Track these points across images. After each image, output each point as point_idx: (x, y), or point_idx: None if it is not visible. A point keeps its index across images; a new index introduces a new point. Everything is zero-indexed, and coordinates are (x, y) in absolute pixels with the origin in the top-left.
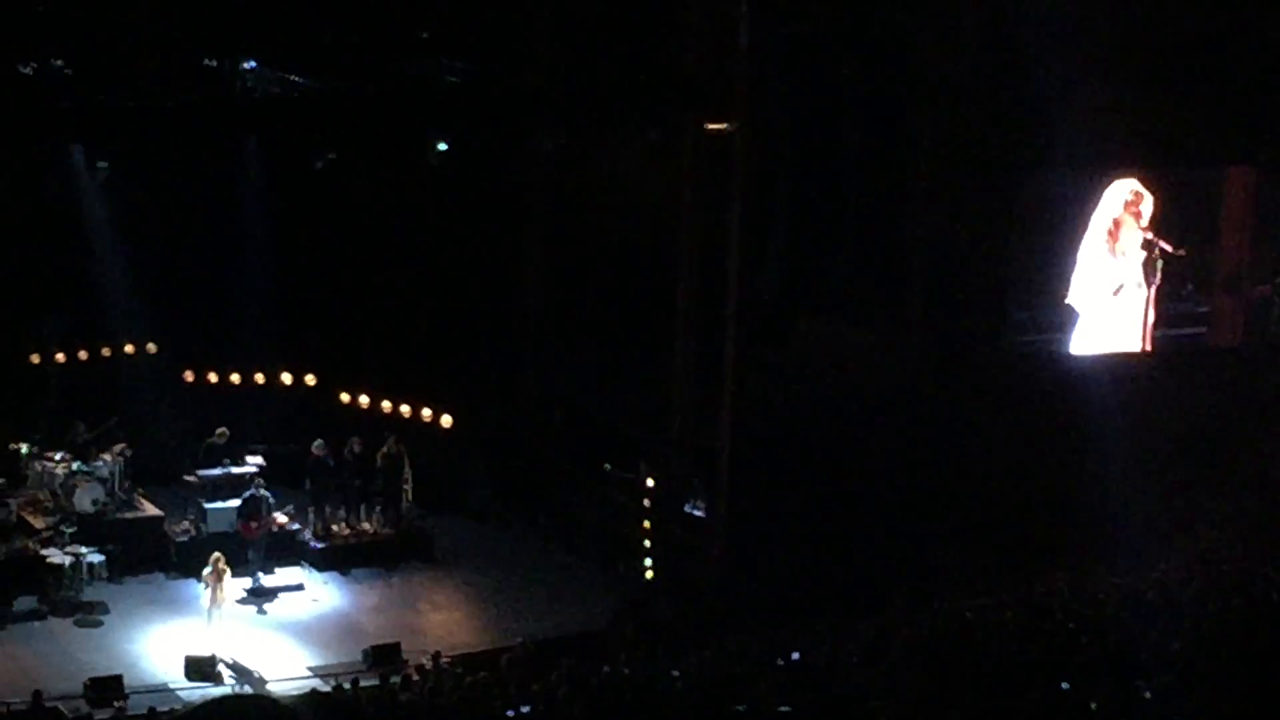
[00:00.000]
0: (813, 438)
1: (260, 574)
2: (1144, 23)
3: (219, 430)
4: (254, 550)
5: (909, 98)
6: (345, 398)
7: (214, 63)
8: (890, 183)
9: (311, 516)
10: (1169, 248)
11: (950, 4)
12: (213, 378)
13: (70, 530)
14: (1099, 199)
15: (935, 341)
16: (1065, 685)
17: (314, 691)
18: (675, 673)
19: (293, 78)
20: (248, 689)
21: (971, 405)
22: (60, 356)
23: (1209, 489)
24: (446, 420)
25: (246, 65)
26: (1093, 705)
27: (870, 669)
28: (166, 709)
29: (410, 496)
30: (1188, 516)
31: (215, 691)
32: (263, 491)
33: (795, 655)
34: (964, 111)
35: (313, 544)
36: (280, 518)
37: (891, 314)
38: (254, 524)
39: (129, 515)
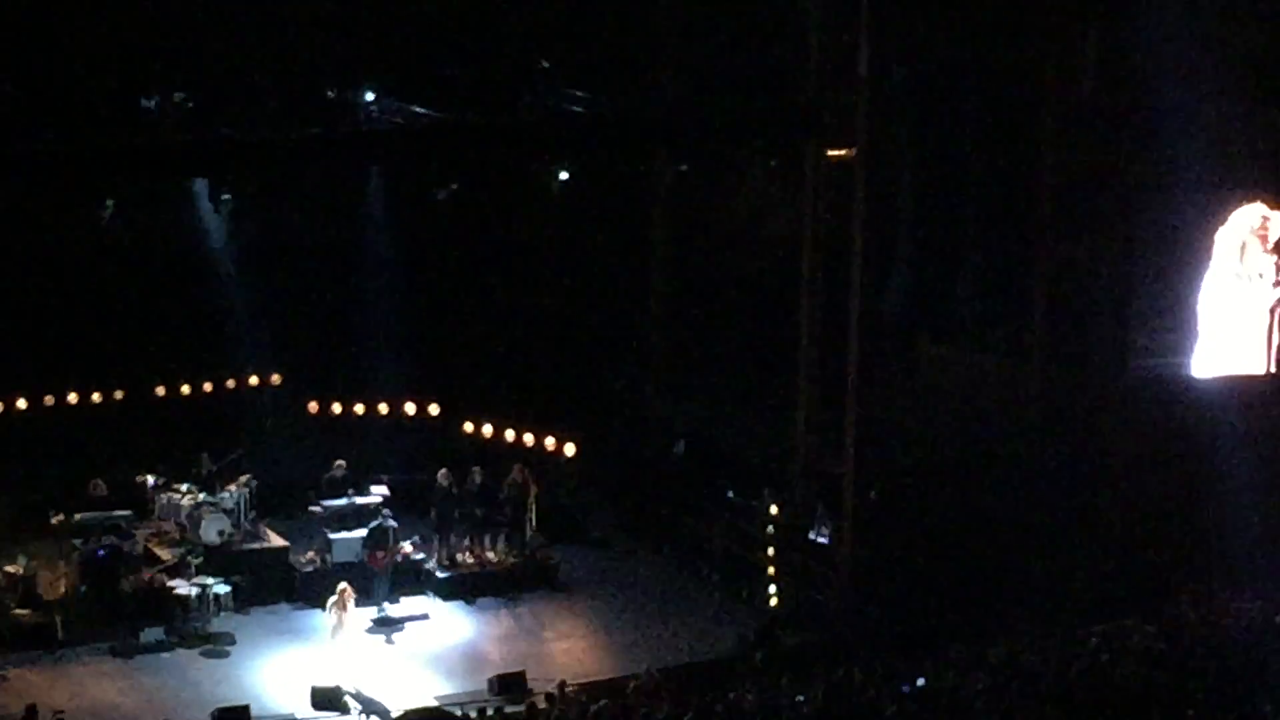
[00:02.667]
0: (937, 463)
1: (386, 604)
2: (1268, 43)
3: (337, 463)
4: (380, 580)
5: (1031, 121)
6: (469, 428)
7: (336, 94)
8: (1013, 206)
9: (436, 546)
10: None
11: (1071, 29)
12: (337, 408)
13: (196, 561)
14: (1225, 220)
15: (1059, 365)
16: (1191, 713)
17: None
18: (800, 698)
19: (415, 108)
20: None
21: (1096, 428)
22: (186, 389)
23: None
24: (570, 449)
25: (368, 97)
26: None
27: (996, 695)
28: None
29: (535, 525)
30: None
31: None
32: (390, 522)
33: (921, 681)
34: (1086, 135)
35: (438, 573)
36: (406, 547)
37: (1015, 338)
38: (380, 554)
39: (254, 546)
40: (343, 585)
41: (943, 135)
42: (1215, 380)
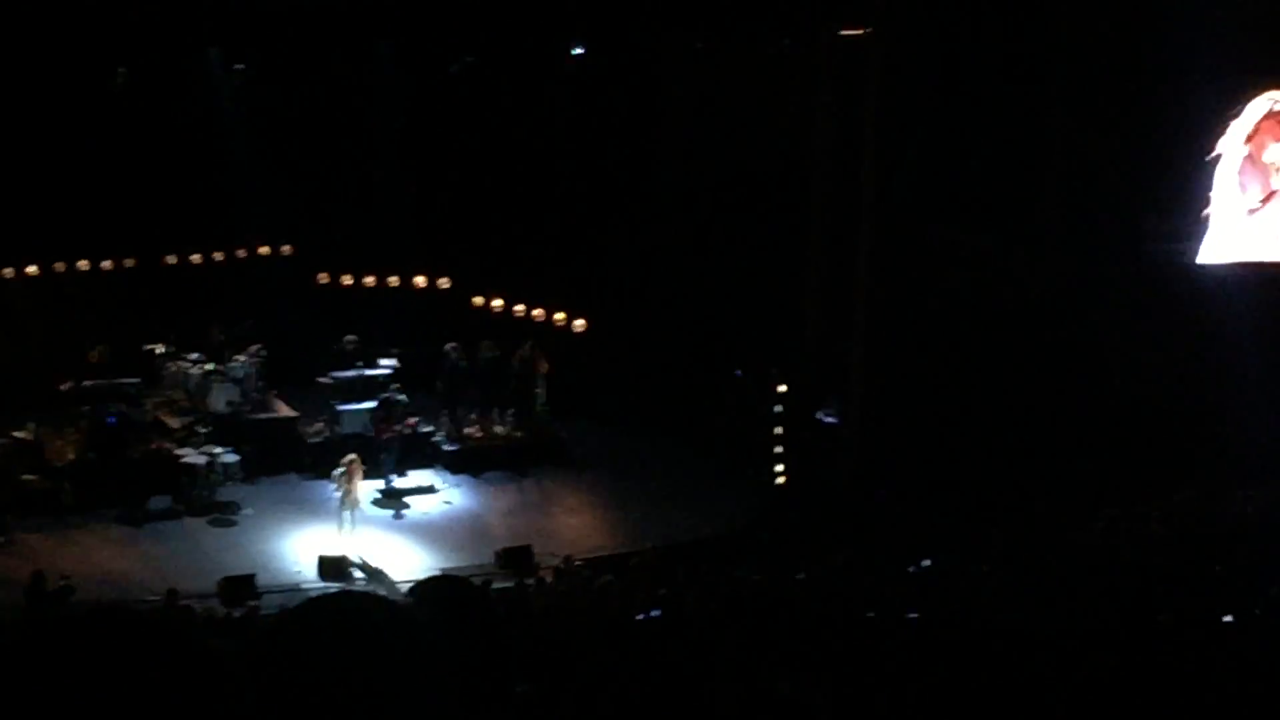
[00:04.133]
0: (946, 346)
1: (393, 476)
2: None
3: (348, 338)
4: (387, 453)
5: (1046, 4)
6: (479, 301)
7: None
8: (1026, 90)
9: (444, 419)
10: None
11: None
12: (347, 280)
13: (205, 430)
14: (1241, 110)
15: (1070, 249)
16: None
17: (435, 579)
18: (802, 576)
19: None
20: (379, 589)
21: (1106, 313)
22: (197, 258)
23: None
24: (580, 324)
25: None
26: (1226, 619)
27: (1002, 577)
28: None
29: (544, 400)
30: None
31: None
32: (398, 395)
33: (926, 562)
34: (1101, 20)
35: (445, 446)
36: (414, 420)
37: (1026, 222)
38: (387, 426)
39: (263, 416)
40: (350, 456)
41: (957, 18)
42: (1227, 266)
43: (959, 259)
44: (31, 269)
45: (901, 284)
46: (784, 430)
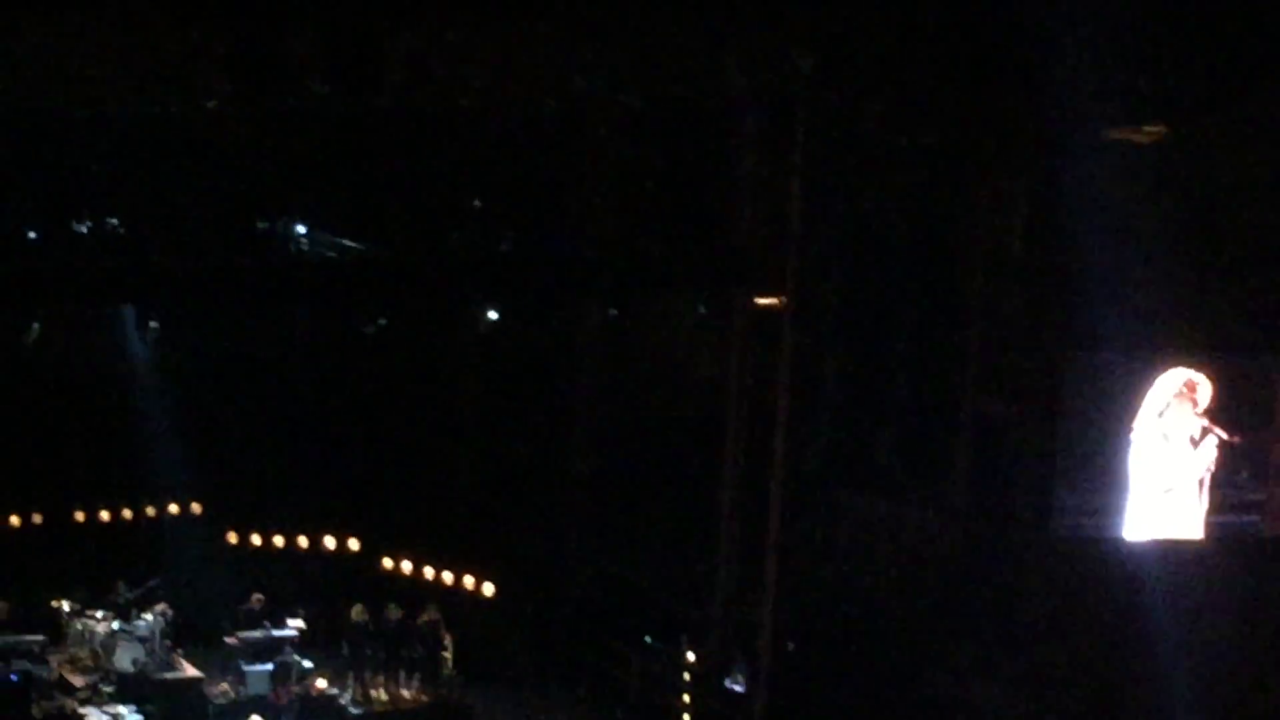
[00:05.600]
0: (857, 615)
1: None
2: (1200, 210)
3: (255, 596)
4: (287, 716)
5: (958, 276)
6: (388, 564)
7: (267, 226)
8: (938, 361)
9: (350, 682)
10: (1224, 435)
11: (1001, 185)
12: (256, 540)
13: (109, 689)
14: (1152, 383)
15: (981, 522)
16: None
17: None
18: None
19: (345, 242)
20: None
21: (1018, 588)
22: (105, 515)
23: (1265, 686)
24: (489, 589)
25: (299, 229)
26: None
27: None
28: None
29: (450, 664)
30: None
31: None
32: (294, 657)
33: None
34: (1013, 292)
35: (351, 709)
36: (320, 683)
37: (938, 493)
38: (282, 690)
39: (168, 675)
40: (255, 717)
41: (872, 287)
42: (1144, 544)
43: (870, 528)
44: None
45: (811, 551)
46: (692, 697)
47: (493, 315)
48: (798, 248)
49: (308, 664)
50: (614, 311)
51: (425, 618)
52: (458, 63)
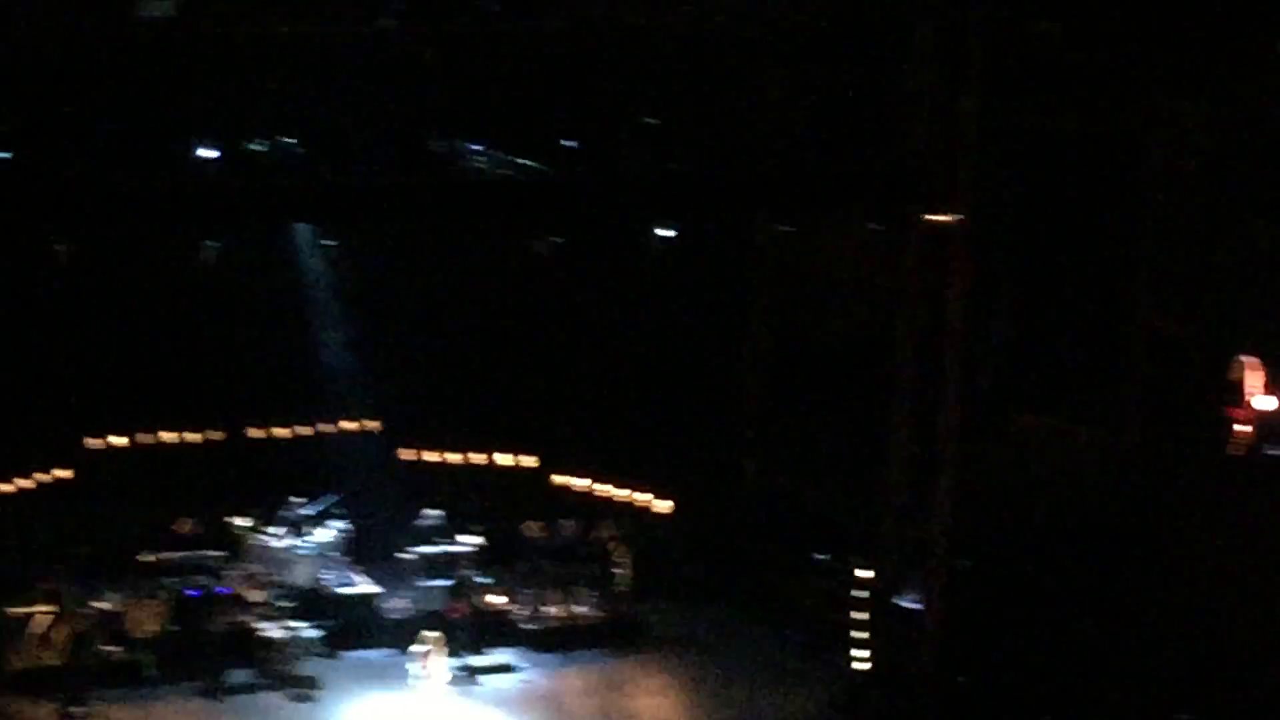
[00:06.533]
0: (1030, 533)
1: (469, 654)
2: None
3: (432, 512)
4: (461, 631)
5: (1135, 196)
6: (562, 480)
7: (441, 145)
8: (1112, 278)
9: (524, 597)
10: None
11: (1179, 105)
12: (432, 457)
13: (286, 605)
14: None
15: (1155, 442)
16: None
17: None
18: None
19: (518, 161)
20: None
21: (1190, 509)
22: (283, 432)
23: None
24: (664, 506)
25: (473, 148)
26: None
27: None
28: None
29: (624, 580)
30: None
31: None
32: (469, 573)
33: None
34: (1190, 213)
35: (525, 625)
36: (491, 599)
37: (1112, 412)
38: (459, 605)
39: (344, 591)
40: (432, 634)
41: (1046, 205)
42: None
43: (1043, 445)
44: (119, 440)
45: (984, 469)
46: (865, 615)
47: (666, 233)
48: (971, 164)
49: (483, 579)
50: (787, 228)
51: (601, 534)
52: None
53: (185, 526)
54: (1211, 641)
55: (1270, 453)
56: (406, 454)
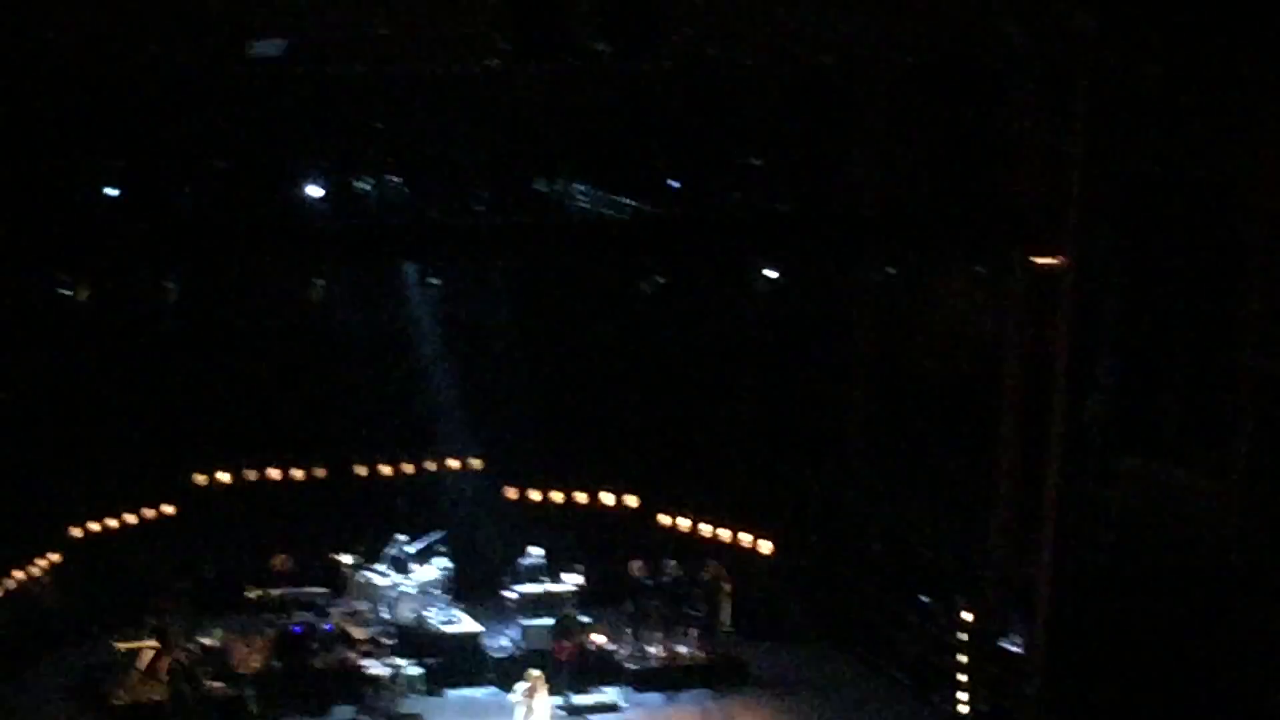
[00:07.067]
0: (1135, 578)
1: (571, 694)
2: None
3: (534, 550)
4: (565, 669)
5: (1240, 238)
6: (665, 520)
7: (546, 186)
8: (1220, 322)
9: (628, 637)
10: None
11: None
12: (535, 495)
13: (389, 642)
14: None
15: (1261, 485)
16: None
17: None
18: None
19: (624, 200)
20: None
21: None
22: (387, 470)
23: None
24: (766, 546)
25: (578, 188)
26: None
27: None
28: None
29: (729, 621)
30: None
31: None
32: (576, 611)
33: None
34: None
35: (629, 665)
36: (597, 638)
37: (1220, 456)
38: (564, 644)
39: (448, 629)
40: (534, 672)
41: (1151, 247)
42: None
43: (1150, 490)
44: (224, 476)
45: (1090, 512)
46: (968, 657)
47: (771, 274)
48: (1077, 207)
49: (586, 619)
50: (892, 270)
51: (704, 574)
52: (737, 21)
53: (290, 563)
54: None
55: None
56: (510, 492)
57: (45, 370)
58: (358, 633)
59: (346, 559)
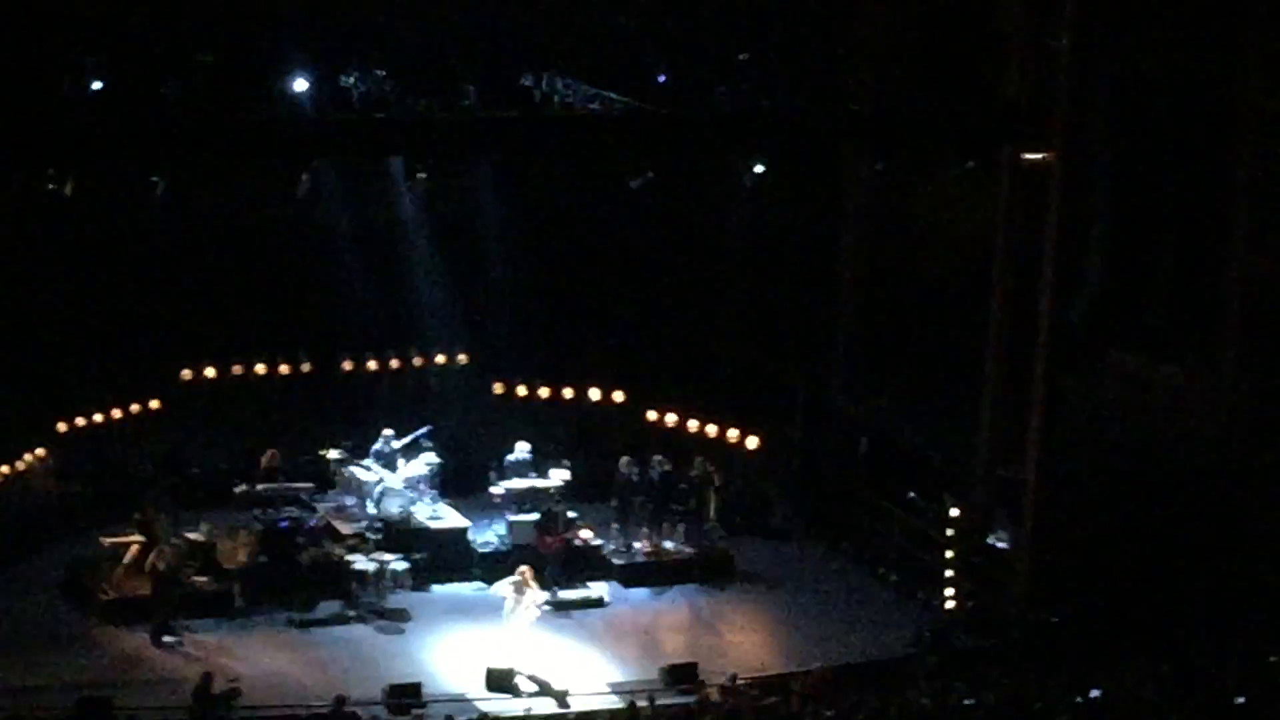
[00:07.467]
0: (1119, 473)
1: (558, 588)
2: None
3: (521, 445)
4: (551, 565)
5: (1230, 135)
6: (653, 416)
7: (532, 81)
8: (1208, 219)
9: (615, 532)
10: None
11: (1272, 45)
12: (522, 390)
13: (376, 537)
14: None
15: (1248, 381)
16: None
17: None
18: (969, 702)
19: (611, 95)
20: (546, 701)
21: None
22: (373, 364)
23: None
24: (753, 442)
25: (563, 84)
26: None
27: (1172, 709)
28: (464, 719)
29: (715, 517)
30: None
31: (513, 703)
32: (560, 507)
33: (1095, 692)
34: None
35: (616, 560)
36: (583, 533)
37: (1204, 351)
38: (549, 539)
39: (434, 524)
40: (523, 567)
41: (1140, 144)
42: None
43: (1134, 384)
44: (209, 371)
45: (1075, 408)
46: (955, 553)
47: (758, 169)
48: (1066, 104)
49: (573, 514)
50: (880, 166)
51: (691, 470)
52: None
53: (276, 458)
54: None
55: None
56: (497, 387)
57: (32, 265)
58: (344, 528)
59: (333, 454)
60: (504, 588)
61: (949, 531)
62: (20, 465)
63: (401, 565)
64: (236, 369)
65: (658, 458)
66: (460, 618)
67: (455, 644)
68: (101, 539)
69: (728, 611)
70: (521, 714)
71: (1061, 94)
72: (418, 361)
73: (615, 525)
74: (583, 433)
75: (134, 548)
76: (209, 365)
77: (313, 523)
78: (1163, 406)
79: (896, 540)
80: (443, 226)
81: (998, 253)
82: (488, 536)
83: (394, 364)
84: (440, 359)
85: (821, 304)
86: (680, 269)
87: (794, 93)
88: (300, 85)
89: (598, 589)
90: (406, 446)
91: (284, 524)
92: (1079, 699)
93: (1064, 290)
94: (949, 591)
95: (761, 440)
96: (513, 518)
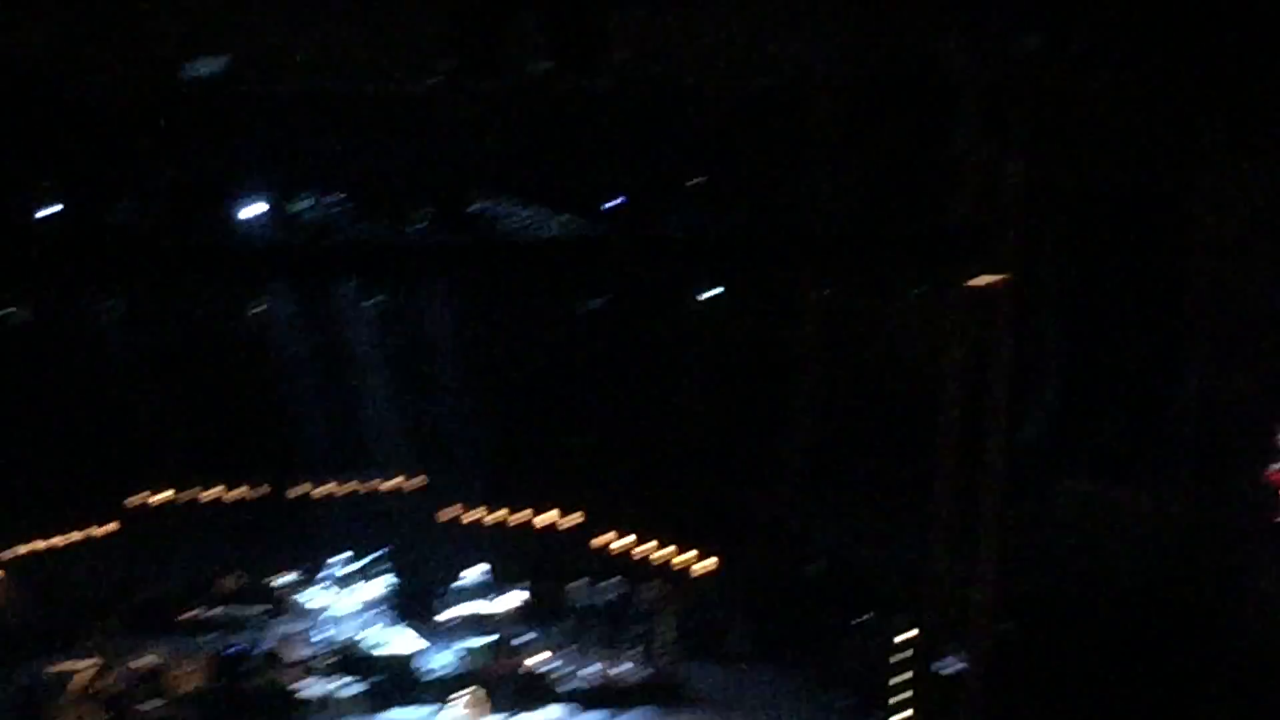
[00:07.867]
0: (1075, 597)
1: (509, 713)
2: None
3: (476, 568)
4: (503, 689)
5: (1182, 258)
6: (607, 539)
7: (484, 206)
8: (1161, 341)
9: (570, 656)
10: None
11: (1225, 165)
12: (477, 514)
13: (329, 660)
14: None
15: (1206, 507)
16: None
17: None
18: None
19: (565, 219)
20: None
21: (1244, 575)
22: (328, 489)
23: None
24: (708, 564)
25: (518, 209)
26: None
27: None
28: None
29: (669, 640)
30: None
31: None
32: (512, 630)
33: None
34: (1237, 274)
35: (570, 684)
36: (538, 657)
37: (1161, 477)
38: (505, 663)
39: (386, 649)
40: (474, 689)
41: (1091, 266)
42: None
43: (1089, 510)
44: (162, 496)
45: (1029, 533)
46: (908, 677)
47: (712, 292)
48: (1017, 227)
49: (525, 638)
50: (828, 292)
51: (648, 593)
52: (679, 42)
53: (227, 583)
54: (1263, 708)
55: None
56: (448, 512)
57: None
58: (293, 654)
59: (286, 578)
60: (456, 713)
61: (902, 654)
62: None
63: (352, 690)
64: (190, 493)
65: (610, 581)
66: None
67: None
68: (50, 666)
69: None
70: None
71: (1012, 216)
72: (373, 485)
73: (570, 649)
74: (538, 556)
75: (83, 674)
76: (159, 490)
77: (262, 648)
78: (1115, 530)
79: (851, 663)
80: (396, 349)
81: (949, 374)
82: (440, 660)
83: (349, 487)
84: (395, 482)
85: (775, 426)
86: (634, 392)
87: (747, 216)
88: (255, 209)
89: (551, 713)
90: (362, 569)
91: (232, 650)
92: None
93: (1014, 412)
94: (904, 715)
95: (715, 563)
96: (465, 642)
